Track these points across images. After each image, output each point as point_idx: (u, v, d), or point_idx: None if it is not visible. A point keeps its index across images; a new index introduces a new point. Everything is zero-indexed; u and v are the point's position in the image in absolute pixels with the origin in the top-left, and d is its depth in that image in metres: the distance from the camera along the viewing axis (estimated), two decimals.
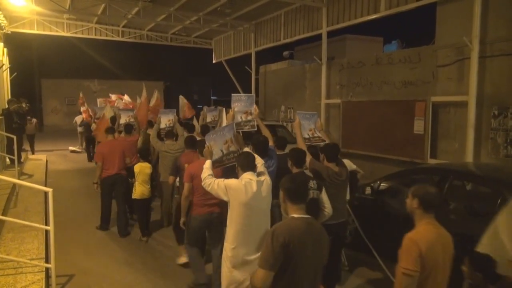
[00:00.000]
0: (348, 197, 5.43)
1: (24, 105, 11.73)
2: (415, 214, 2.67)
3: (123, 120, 8.48)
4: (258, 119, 5.01)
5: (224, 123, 4.97)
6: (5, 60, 13.15)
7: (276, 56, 16.12)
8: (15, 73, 15.03)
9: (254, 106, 5.07)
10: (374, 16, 9.44)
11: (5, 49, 13.36)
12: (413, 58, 8.70)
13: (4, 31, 13.96)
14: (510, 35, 6.85)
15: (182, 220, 4.72)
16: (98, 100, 13.09)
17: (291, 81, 13.45)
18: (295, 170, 4.07)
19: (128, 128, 7.64)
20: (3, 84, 12.99)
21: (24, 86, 22.37)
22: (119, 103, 11.73)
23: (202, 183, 3.71)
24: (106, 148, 6.69)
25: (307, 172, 4.24)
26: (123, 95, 13.12)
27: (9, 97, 13.14)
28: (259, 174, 3.62)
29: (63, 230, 6.09)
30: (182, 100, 10.68)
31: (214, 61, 18.67)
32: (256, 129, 4.96)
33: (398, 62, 9.09)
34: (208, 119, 8.31)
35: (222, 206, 4.35)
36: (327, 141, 4.78)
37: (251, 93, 15.38)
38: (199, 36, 17.54)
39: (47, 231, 4.99)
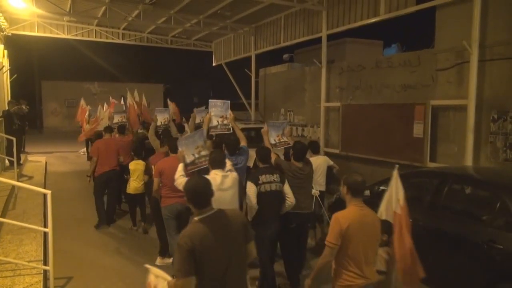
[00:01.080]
0: (323, 189, 6.42)
1: (24, 107, 11.76)
2: (346, 198, 3.15)
3: (115, 120, 8.96)
4: (233, 122, 5.59)
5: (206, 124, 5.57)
6: (6, 62, 13.19)
7: (276, 59, 16.14)
8: (15, 75, 15.06)
9: (229, 111, 5.63)
10: (374, 20, 9.45)
11: (6, 51, 13.40)
12: (412, 61, 8.71)
13: (4, 33, 13.98)
14: (509, 39, 6.86)
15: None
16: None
17: (291, 84, 13.46)
18: (261, 165, 4.56)
19: (121, 128, 8.08)
20: (3, 86, 13.01)
21: (24, 88, 22.38)
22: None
23: (175, 183, 4.32)
24: (103, 145, 7.20)
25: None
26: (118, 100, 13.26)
27: (9, 99, 13.16)
28: (227, 171, 4.19)
29: (61, 232, 6.09)
30: (170, 104, 10.97)
31: (214, 64, 18.68)
32: (231, 131, 5.50)
33: (398, 65, 9.10)
34: (197, 120, 8.51)
35: None
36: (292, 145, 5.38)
37: (250, 96, 15.53)
38: (199, 39, 17.57)
39: (45, 233, 4.99)
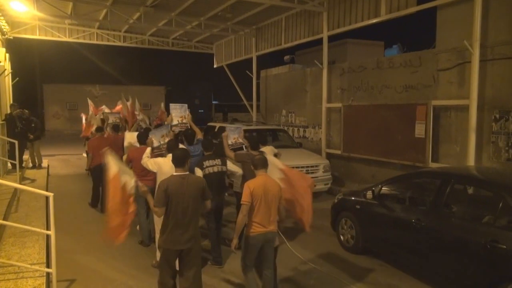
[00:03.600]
0: None
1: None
2: (255, 172, 4.35)
3: (110, 121, 10.12)
4: (191, 121, 7.05)
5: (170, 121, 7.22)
6: (7, 66, 13.20)
7: (277, 61, 16.16)
8: (17, 78, 15.09)
9: (187, 112, 7.18)
10: (374, 20, 9.45)
11: (7, 55, 13.41)
12: (414, 62, 8.71)
13: (6, 36, 14.03)
14: (510, 39, 6.85)
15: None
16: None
17: (292, 85, 13.47)
18: (206, 153, 5.79)
19: (115, 127, 9.06)
20: (5, 89, 13.03)
21: (26, 91, 22.46)
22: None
23: (142, 162, 5.38)
24: (96, 143, 8.38)
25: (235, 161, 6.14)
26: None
27: (11, 102, 13.19)
28: None
29: (64, 235, 6.10)
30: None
31: (215, 66, 18.71)
32: (189, 127, 6.85)
33: (399, 66, 9.10)
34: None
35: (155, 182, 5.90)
36: (246, 145, 6.59)
37: (252, 97, 15.63)
38: (200, 41, 17.59)
39: (48, 236, 5.00)
